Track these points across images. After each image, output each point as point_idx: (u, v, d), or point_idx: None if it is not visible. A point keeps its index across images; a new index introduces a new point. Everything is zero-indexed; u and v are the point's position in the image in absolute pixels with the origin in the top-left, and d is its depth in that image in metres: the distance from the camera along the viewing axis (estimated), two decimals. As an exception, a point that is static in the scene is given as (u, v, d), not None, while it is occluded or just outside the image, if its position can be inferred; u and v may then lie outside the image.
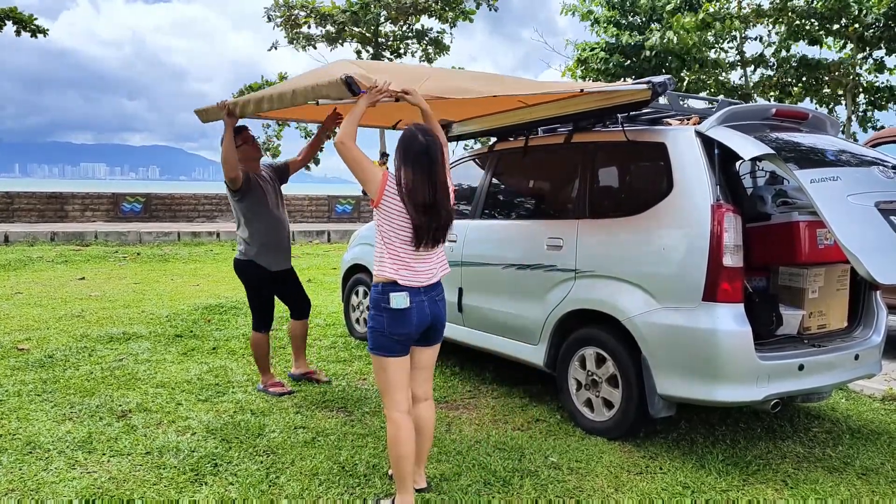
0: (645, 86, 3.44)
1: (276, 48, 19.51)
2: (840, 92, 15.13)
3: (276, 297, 4.59)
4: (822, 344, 3.68)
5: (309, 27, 19.25)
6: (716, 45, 15.97)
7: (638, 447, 3.66)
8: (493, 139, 5.04)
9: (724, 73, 16.76)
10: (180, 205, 18.63)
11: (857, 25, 13.59)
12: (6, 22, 14.49)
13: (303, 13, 18.81)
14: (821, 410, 4.37)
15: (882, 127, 15.17)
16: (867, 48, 14.39)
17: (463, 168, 5.12)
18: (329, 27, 19.10)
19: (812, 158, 3.31)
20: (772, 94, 15.86)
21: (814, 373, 3.48)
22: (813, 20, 14.02)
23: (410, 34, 20.02)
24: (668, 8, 15.19)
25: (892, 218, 3.09)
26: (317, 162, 21.88)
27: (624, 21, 16.54)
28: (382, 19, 19.23)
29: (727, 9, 14.25)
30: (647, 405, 3.55)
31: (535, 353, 4.19)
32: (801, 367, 3.42)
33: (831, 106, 15.86)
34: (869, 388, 4.76)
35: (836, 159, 3.40)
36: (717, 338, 3.26)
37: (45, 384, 4.52)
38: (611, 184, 4.15)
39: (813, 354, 3.53)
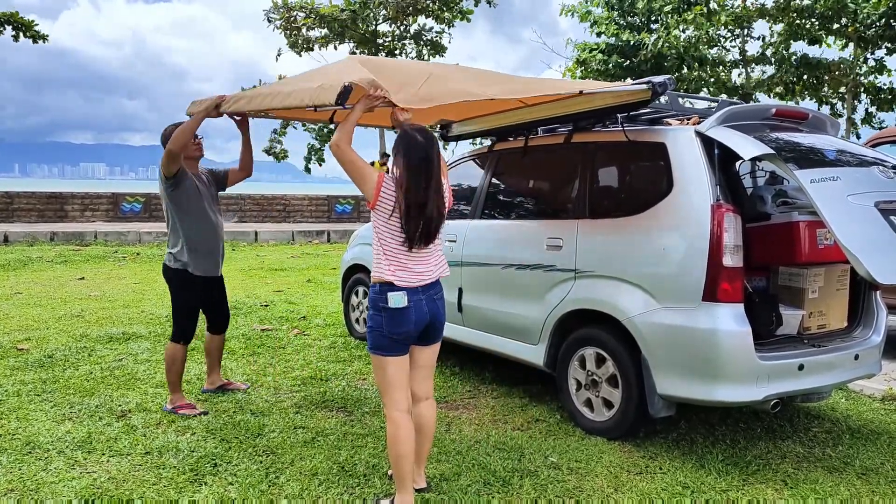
0: (645, 86, 3.44)
1: (280, 55, 19.50)
2: (842, 90, 15.13)
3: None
4: (822, 344, 3.68)
5: (308, 29, 19.22)
6: (717, 44, 15.98)
7: (638, 447, 3.66)
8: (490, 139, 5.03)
9: (724, 72, 16.77)
10: (180, 205, 18.60)
11: (857, 25, 13.59)
12: (6, 27, 14.46)
13: (301, 14, 18.79)
14: (821, 410, 4.37)
15: (886, 127, 15.18)
16: (868, 47, 14.39)
17: (463, 168, 5.12)
18: (326, 30, 19.06)
19: (812, 158, 3.31)
20: (776, 90, 15.86)
21: (814, 373, 3.48)
22: (813, 20, 14.03)
23: (407, 35, 20.00)
24: (666, 9, 15.20)
25: (892, 218, 3.09)
26: (320, 162, 21.81)
27: (622, 21, 16.57)
28: (381, 19, 19.21)
29: (731, 7, 14.26)
30: (646, 405, 3.55)
31: (534, 353, 4.19)
32: (800, 367, 3.42)
33: (834, 102, 15.86)
34: (869, 388, 4.76)
35: (836, 159, 3.40)
36: (717, 338, 3.26)
37: (45, 384, 4.52)
38: (611, 184, 4.15)
39: (813, 354, 3.53)
